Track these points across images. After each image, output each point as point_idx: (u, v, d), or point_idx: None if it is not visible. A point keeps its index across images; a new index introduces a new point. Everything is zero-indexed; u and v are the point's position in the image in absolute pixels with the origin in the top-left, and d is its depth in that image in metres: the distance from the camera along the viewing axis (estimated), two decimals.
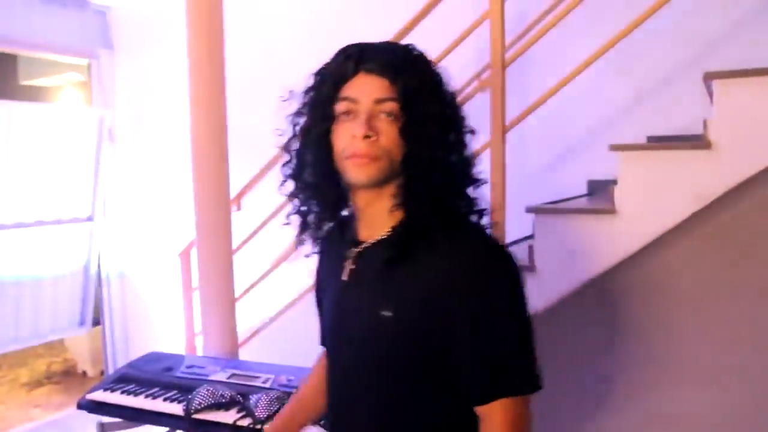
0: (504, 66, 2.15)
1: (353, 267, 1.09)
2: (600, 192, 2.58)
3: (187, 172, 2.54)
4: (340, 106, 1.02)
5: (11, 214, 4.18)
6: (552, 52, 2.73)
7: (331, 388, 1.18)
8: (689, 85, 2.48)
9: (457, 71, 2.84)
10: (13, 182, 4.14)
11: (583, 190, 2.74)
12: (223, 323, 2.50)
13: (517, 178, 2.49)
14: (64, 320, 4.74)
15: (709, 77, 1.93)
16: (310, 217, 1.12)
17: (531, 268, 2.06)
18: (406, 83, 0.99)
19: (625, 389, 2.28)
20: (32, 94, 6.07)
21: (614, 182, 1.99)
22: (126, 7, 4.51)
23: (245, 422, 1.82)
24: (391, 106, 0.99)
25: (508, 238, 2.26)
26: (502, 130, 2.14)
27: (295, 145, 1.11)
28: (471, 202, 1.06)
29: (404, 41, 2.31)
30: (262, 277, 2.96)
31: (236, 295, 2.55)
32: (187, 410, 1.88)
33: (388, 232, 1.05)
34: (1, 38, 4.09)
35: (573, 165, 2.87)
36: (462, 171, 1.06)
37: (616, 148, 1.99)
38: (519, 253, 2.23)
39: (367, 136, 0.98)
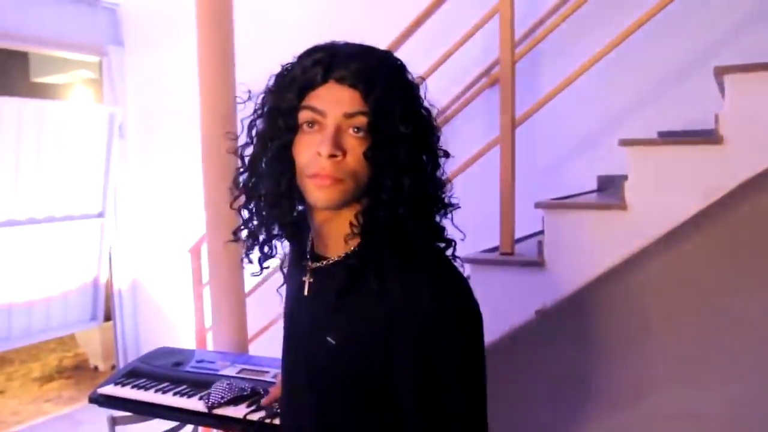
0: (513, 61, 2.14)
1: (311, 281, 1.03)
2: (610, 187, 2.57)
3: (197, 168, 2.55)
4: (304, 115, 0.92)
5: (23, 210, 4.22)
6: (562, 47, 2.72)
7: (283, 390, 1.15)
8: (700, 79, 2.46)
9: (466, 66, 2.86)
10: (24, 179, 4.17)
11: (593, 185, 2.73)
12: (233, 318, 2.51)
13: (527, 174, 2.48)
14: (76, 315, 4.79)
15: (720, 72, 1.91)
16: (262, 234, 1.03)
17: (540, 263, 2.05)
18: (379, 97, 0.89)
19: (634, 387, 2.27)
20: (43, 92, 6.11)
21: (624, 177, 1.98)
22: (136, 4, 4.53)
23: (256, 416, 1.83)
24: (361, 121, 0.89)
25: (518, 234, 2.26)
26: (511, 125, 2.14)
27: (250, 151, 1.00)
28: (438, 231, 0.99)
29: (413, 36, 2.34)
30: (273, 272, 2.97)
31: (246, 290, 2.56)
32: (209, 406, 1.87)
33: (343, 255, 0.98)
34: (12, 36, 4.13)
35: (583, 160, 2.86)
36: (432, 197, 0.97)
37: (626, 143, 1.98)
38: (528, 249, 2.22)
39: (332, 155, 0.88)
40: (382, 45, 2.36)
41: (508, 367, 2.37)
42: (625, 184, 1.96)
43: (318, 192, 0.91)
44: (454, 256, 1.00)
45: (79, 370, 5.71)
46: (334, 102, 0.90)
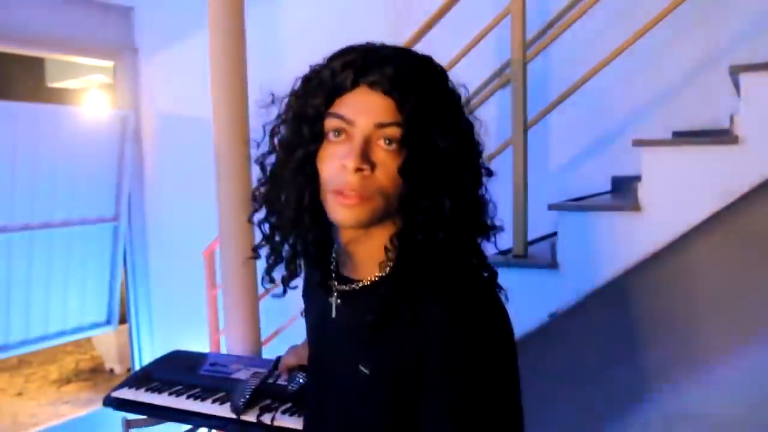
0: (525, 62, 2.13)
1: (338, 303, 0.95)
2: (624, 188, 2.55)
3: (210, 172, 2.56)
4: (330, 123, 0.83)
5: (38, 214, 4.25)
6: (574, 48, 2.70)
7: (309, 400, 1.10)
8: (716, 78, 2.44)
9: (478, 67, 2.84)
10: (40, 183, 4.21)
11: (607, 186, 2.71)
12: (246, 321, 2.52)
13: (540, 175, 2.47)
14: (91, 319, 4.82)
15: (735, 71, 1.89)
16: (284, 252, 0.94)
17: (553, 265, 2.04)
18: (416, 107, 0.80)
19: (649, 388, 2.25)
20: (59, 97, 6.17)
21: (639, 178, 1.96)
22: (149, 9, 4.56)
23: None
24: (394, 132, 0.80)
25: (531, 236, 2.24)
26: (523, 127, 2.13)
27: (272, 160, 0.92)
28: (480, 257, 0.90)
29: (425, 38, 2.34)
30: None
31: (259, 293, 2.57)
32: (237, 411, 1.85)
33: (374, 279, 0.89)
34: (28, 41, 4.17)
35: (597, 161, 2.83)
36: (474, 220, 0.88)
37: (640, 143, 1.96)
38: (542, 251, 2.21)
39: (360, 169, 0.80)
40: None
41: (521, 370, 2.35)
42: (639, 185, 1.94)
43: (342, 210, 0.82)
44: (497, 285, 0.89)
45: (95, 373, 5.76)
46: (365, 110, 0.81)
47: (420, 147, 0.81)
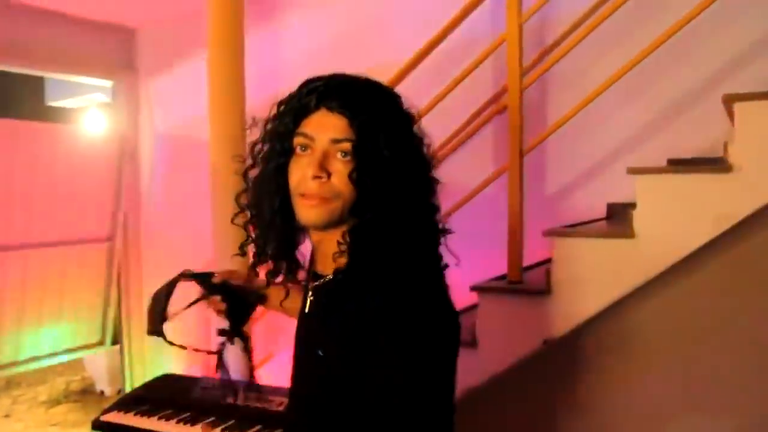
0: (521, 89, 2.15)
1: (311, 299, 1.09)
2: (619, 215, 2.56)
3: (206, 193, 2.57)
4: (297, 140, 1.00)
5: (33, 233, 4.24)
6: (570, 74, 2.73)
7: (289, 399, 1.20)
8: (710, 106, 2.46)
9: (474, 93, 2.86)
10: (37, 202, 4.21)
11: (603, 213, 2.71)
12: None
13: (535, 201, 2.47)
14: (83, 340, 4.78)
15: (728, 99, 1.91)
16: (268, 248, 1.10)
17: (548, 292, 2.03)
18: (363, 124, 0.96)
19: (644, 416, 2.23)
20: (58, 116, 6.19)
21: (633, 205, 1.96)
22: (149, 29, 4.60)
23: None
24: (346, 146, 0.96)
25: (525, 263, 2.24)
26: (519, 153, 2.14)
27: (253, 173, 1.09)
28: (428, 255, 1.01)
29: (422, 63, 2.35)
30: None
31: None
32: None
33: (332, 274, 1.03)
34: (28, 60, 4.19)
35: (592, 188, 2.84)
36: (420, 221, 1.01)
37: (634, 171, 1.97)
38: (537, 277, 2.20)
39: (317, 176, 0.96)
40: (391, 71, 2.38)
41: (516, 396, 2.34)
42: (634, 212, 1.94)
43: (306, 211, 0.99)
44: (441, 283, 1.01)
45: (85, 394, 5.69)
46: (323, 128, 0.98)
47: (368, 157, 0.96)
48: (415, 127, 1.05)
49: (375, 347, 0.92)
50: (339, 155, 0.97)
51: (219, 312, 1.35)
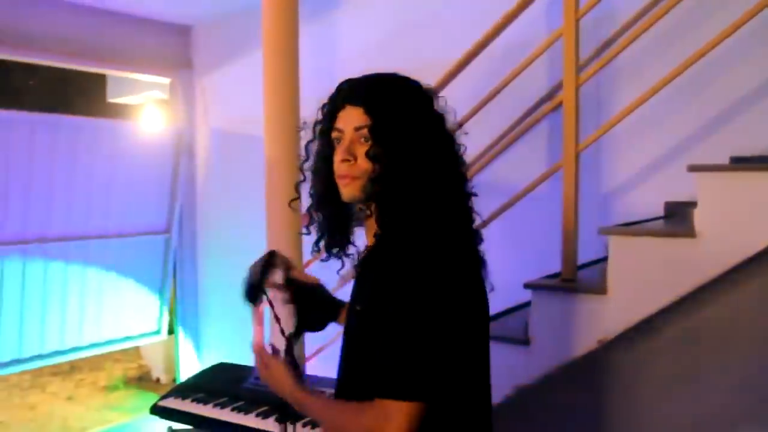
0: (578, 85, 2.11)
1: (357, 270, 1.26)
2: (678, 214, 2.49)
3: (260, 188, 2.61)
4: (333, 134, 1.20)
5: (95, 225, 4.40)
6: (628, 70, 2.67)
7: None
8: None
9: (530, 88, 2.83)
10: (97, 195, 4.36)
11: (660, 212, 2.64)
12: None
13: (591, 199, 2.43)
14: (141, 328, 4.94)
15: None
16: (329, 228, 1.28)
17: (602, 291, 1.99)
18: (377, 109, 1.14)
19: (702, 425, 2.16)
20: (118, 112, 6.39)
21: (694, 204, 1.91)
22: (206, 27, 4.71)
23: None
24: (365, 131, 1.14)
25: (582, 260, 2.21)
26: (575, 150, 2.10)
27: (309, 167, 1.29)
28: (450, 217, 1.15)
29: (477, 58, 2.34)
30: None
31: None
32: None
33: (371, 243, 1.22)
34: (90, 58, 4.34)
35: (650, 186, 2.77)
36: (440, 192, 1.14)
37: (695, 168, 1.92)
38: (591, 276, 2.17)
39: (345, 160, 1.16)
40: (445, 67, 2.37)
41: (567, 396, 2.30)
42: (695, 211, 1.89)
43: (342, 189, 1.19)
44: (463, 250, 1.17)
45: (142, 381, 5.89)
46: (348, 120, 1.18)
47: (382, 136, 1.14)
48: (437, 106, 1.21)
49: (387, 292, 1.08)
50: (362, 140, 1.16)
51: (284, 303, 1.45)
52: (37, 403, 5.36)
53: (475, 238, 1.22)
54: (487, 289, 1.23)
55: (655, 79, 2.08)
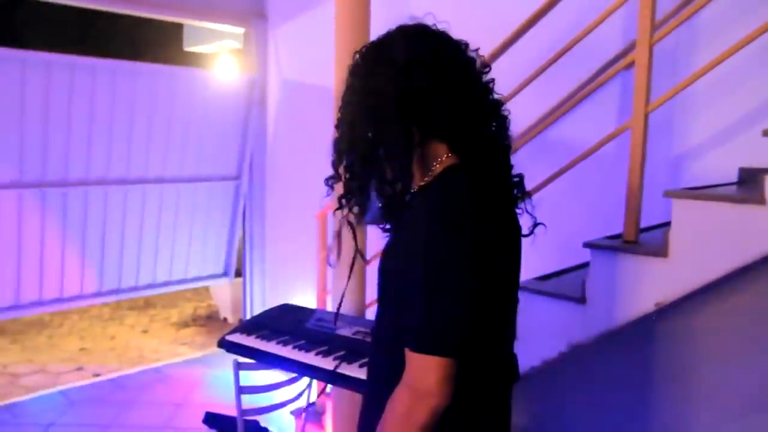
0: (651, 44, 2.06)
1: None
2: (751, 181, 2.41)
3: (328, 138, 2.67)
4: None
5: (170, 169, 4.59)
6: (706, 29, 2.56)
7: None
8: None
9: (603, 46, 2.75)
10: (173, 140, 4.54)
11: (733, 177, 2.56)
12: (353, 282, 2.62)
13: (659, 162, 2.37)
14: (210, 270, 5.18)
15: None
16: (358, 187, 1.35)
17: (664, 254, 1.97)
18: (349, 77, 1.33)
19: (752, 397, 2.14)
20: (194, 60, 6.56)
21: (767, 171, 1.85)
22: None
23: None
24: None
25: (646, 223, 2.18)
26: (644, 110, 2.06)
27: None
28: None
29: (550, 12, 2.30)
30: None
31: (367, 257, 2.66)
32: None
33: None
34: (167, 7, 4.47)
35: (723, 151, 2.68)
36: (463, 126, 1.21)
37: None
38: (653, 239, 2.14)
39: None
40: (513, 24, 2.34)
41: (620, 357, 2.32)
42: (766, 177, 1.83)
43: None
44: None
45: (210, 320, 6.19)
46: None
47: (344, 99, 1.35)
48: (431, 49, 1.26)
49: (421, 243, 1.10)
50: None
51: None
52: (116, 334, 5.74)
53: (509, 173, 1.28)
54: (525, 232, 1.29)
55: (734, 39, 2.00)
